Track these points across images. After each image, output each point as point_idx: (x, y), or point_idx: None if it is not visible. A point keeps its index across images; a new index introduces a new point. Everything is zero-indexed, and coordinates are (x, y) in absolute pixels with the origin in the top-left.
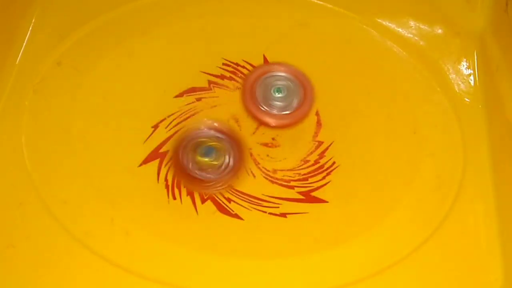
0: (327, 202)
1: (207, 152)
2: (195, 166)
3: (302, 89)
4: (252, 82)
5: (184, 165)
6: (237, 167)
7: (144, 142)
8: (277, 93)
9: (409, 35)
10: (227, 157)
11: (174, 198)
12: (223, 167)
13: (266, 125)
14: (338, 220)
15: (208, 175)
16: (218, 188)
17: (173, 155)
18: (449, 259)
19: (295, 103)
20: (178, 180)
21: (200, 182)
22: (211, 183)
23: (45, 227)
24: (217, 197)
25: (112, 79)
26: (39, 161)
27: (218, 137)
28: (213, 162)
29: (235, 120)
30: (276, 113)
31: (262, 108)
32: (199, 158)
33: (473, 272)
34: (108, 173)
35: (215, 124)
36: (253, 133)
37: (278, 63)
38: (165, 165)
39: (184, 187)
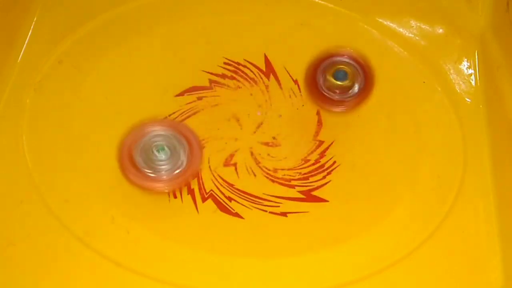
0: (327, 201)
1: (340, 75)
2: (325, 84)
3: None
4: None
5: (317, 82)
6: (363, 94)
7: None
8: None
9: (410, 35)
10: (356, 84)
11: (175, 197)
12: (350, 91)
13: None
14: (339, 219)
15: (336, 96)
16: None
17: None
18: (449, 259)
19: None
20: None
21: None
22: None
23: (45, 226)
24: (218, 196)
25: (113, 78)
26: (40, 159)
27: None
28: (343, 84)
29: (236, 119)
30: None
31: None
32: (331, 80)
33: (473, 272)
34: (109, 171)
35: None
36: (254, 132)
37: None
38: None
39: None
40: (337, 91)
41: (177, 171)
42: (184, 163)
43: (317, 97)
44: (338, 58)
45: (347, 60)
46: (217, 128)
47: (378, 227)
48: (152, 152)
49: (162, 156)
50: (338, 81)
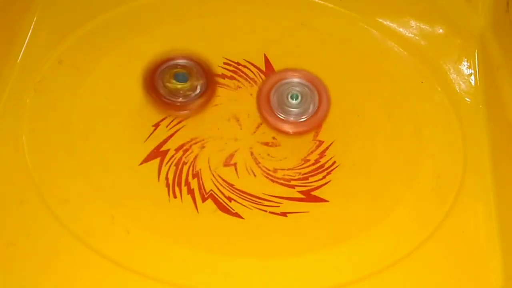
0: (327, 201)
1: (179, 77)
2: (166, 90)
3: (317, 94)
4: (267, 89)
5: (156, 89)
6: (207, 95)
7: (145, 140)
8: (293, 100)
9: (410, 35)
10: (198, 84)
11: (175, 197)
12: (193, 93)
13: (285, 132)
14: (339, 220)
15: (179, 99)
16: (185, 112)
17: (147, 79)
18: (449, 259)
19: (311, 109)
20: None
21: (170, 106)
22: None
23: (45, 226)
24: (218, 196)
25: (113, 78)
26: (40, 159)
27: (189, 64)
28: (184, 87)
29: (236, 119)
30: (293, 120)
31: (279, 116)
32: (172, 83)
33: (473, 272)
34: (108, 171)
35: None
36: (254, 132)
37: (292, 70)
38: (166, 163)
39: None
40: (180, 94)
41: (303, 118)
42: (311, 113)
43: (160, 105)
44: (175, 61)
45: (184, 62)
46: (217, 128)
47: (378, 227)
48: (287, 98)
49: (294, 102)
50: (179, 83)
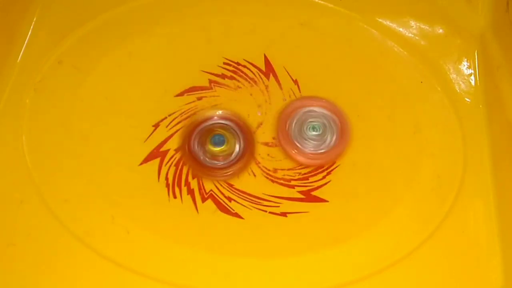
0: (327, 201)
1: (218, 141)
2: (206, 155)
3: (339, 127)
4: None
5: (195, 154)
6: (246, 155)
7: (145, 141)
8: (312, 131)
9: (410, 34)
10: (236, 145)
11: (175, 197)
12: (233, 155)
13: (299, 163)
14: (338, 220)
15: (219, 163)
16: (228, 175)
17: (184, 145)
18: (449, 259)
19: (329, 141)
20: (193, 172)
21: (211, 169)
22: (221, 170)
23: (45, 226)
24: (218, 196)
25: (113, 78)
26: (40, 159)
27: (226, 125)
28: (223, 150)
29: None
30: (310, 151)
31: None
32: (210, 147)
33: (473, 272)
34: (108, 171)
35: (220, 112)
36: (254, 132)
37: (315, 98)
38: (166, 164)
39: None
40: (220, 157)
41: (321, 151)
42: (331, 145)
43: (200, 169)
44: (210, 123)
45: (220, 122)
46: None
47: (378, 227)
48: (306, 128)
49: (313, 133)
50: (217, 146)
